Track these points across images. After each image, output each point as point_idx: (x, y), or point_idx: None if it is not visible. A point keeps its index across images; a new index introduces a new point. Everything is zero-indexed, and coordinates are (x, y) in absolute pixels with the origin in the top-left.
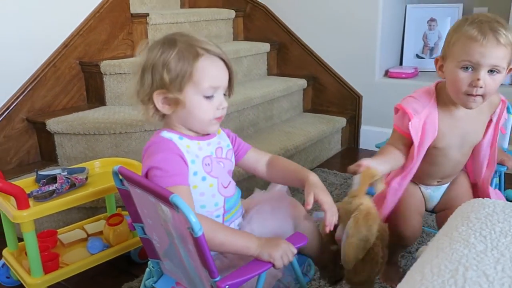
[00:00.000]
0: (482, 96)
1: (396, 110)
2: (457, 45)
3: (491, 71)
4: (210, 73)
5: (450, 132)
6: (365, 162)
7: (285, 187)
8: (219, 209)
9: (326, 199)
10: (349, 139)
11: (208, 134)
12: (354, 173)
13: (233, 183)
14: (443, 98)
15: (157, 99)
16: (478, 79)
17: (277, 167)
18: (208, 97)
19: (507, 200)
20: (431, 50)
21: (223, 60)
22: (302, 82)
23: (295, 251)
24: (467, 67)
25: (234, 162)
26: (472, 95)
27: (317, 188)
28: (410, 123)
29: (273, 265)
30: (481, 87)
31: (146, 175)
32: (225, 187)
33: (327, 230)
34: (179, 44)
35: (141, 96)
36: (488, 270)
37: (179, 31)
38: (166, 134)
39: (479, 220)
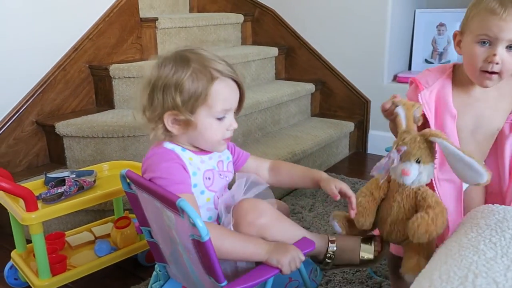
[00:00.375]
0: (499, 73)
1: (411, 83)
2: (476, 19)
3: (510, 47)
4: (223, 96)
5: (464, 110)
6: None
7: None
8: (213, 222)
9: (347, 187)
10: (357, 143)
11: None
12: (389, 111)
13: None
14: (460, 75)
15: (167, 119)
16: (495, 55)
17: (282, 172)
18: (219, 119)
19: None
20: (440, 55)
21: (236, 81)
22: (310, 87)
23: (303, 257)
24: (484, 42)
25: (233, 174)
26: (487, 71)
27: (335, 181)
28: (419, 94)
29: (280, 271)
30: (497, 63)
31: None
32: None
33: (353, 214)
34: (192, 64)
35: (149, 114)
36: (498, 278)
37: (190, 46)
38: (168, 145)
39: (489, 227)
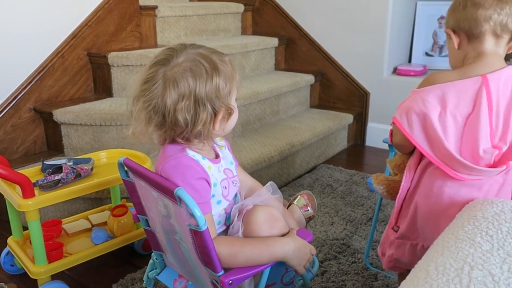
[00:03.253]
0: None
1: None
2: None
3: None
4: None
5: None
6: None
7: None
8: (221, 227)
9: None
10: (355, 136)
11: (217, 157)
12: None
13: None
14: None
15: (219, 119)
16: None
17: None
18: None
19: None
20: (441, 48)
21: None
22: (310, 78)
23: (314, 251)
24: None
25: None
26: None
27: None
28: None
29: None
30: None
31: None
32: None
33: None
34: (213, 57)
35: (200, 126)
36: (494, 270)
37: (184, 45)
38: (190, 152)
39: (486, 220)
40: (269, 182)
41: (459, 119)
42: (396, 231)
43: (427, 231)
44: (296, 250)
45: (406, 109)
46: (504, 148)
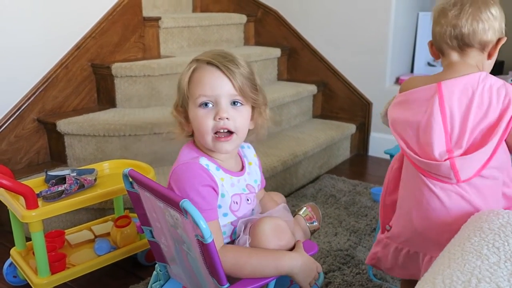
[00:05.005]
0: None
1: None
2: None
3: None
4: (197, 80)
5: None
6: None
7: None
8: (226, 237)
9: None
10: (358, 146)
11: (242, 170)
12: None
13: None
14: None
15: (177, 115)
16: None
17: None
18: (202, 107)
19: None
20: None
21: (218, 68)
22: (312, 88)
23: (321, 269)
24: None
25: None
26: None
27: None
28: None
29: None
30: None
31: None
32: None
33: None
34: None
35: (179, 111)
36: (501, 283)
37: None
38: (204, 161)
39: (492, 231)
40: (282, 205)
41: (416, 124)
42: (388, 230)
43: (415, 237)
44: (303, 266)
45: (388, 115)
46: (457, 152)
